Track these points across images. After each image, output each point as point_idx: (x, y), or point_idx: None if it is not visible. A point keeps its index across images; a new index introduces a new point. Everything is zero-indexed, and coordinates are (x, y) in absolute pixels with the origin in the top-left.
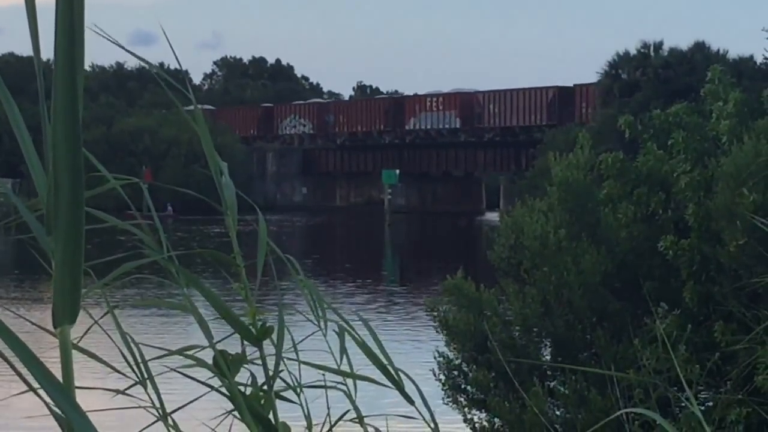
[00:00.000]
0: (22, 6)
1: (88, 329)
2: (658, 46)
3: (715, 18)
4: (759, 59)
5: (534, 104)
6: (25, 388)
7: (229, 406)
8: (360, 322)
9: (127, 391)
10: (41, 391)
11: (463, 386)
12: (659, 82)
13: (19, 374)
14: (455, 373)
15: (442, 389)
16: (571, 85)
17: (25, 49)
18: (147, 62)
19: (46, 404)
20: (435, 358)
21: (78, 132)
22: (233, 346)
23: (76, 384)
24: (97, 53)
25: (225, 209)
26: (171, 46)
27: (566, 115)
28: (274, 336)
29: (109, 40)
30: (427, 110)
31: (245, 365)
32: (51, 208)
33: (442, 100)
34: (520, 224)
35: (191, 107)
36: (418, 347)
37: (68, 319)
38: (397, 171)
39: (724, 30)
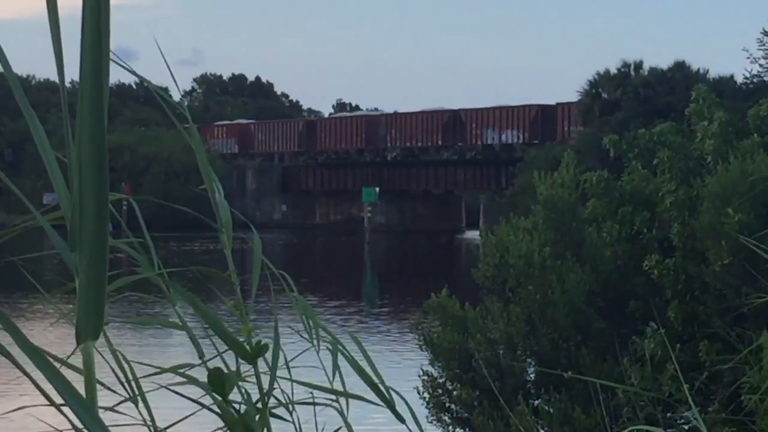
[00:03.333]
0: (10, 23)
1: (76, 349)
2: (639, 65)
3: (695, 38)
4: (740, 79)
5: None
6: (45, 402)
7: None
8: (350, 340)
9: (117, 408)
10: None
11: (447, 404)
12: (639, 101)
13: (42, 391)
14: (439, 391)
15: (426, 407)
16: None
17: (15, 67)
18: (149, 81)
19: (69, 420)
20: (419, 376)
21: (103, 151)
22: (217, 364)
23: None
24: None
25: (220, 227)
26: (168, 65)
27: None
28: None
29: (119, 64)
30: (216, 138)
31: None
32: (75, 225)
33: (226, 130)
34: (505, 243)
35: (168, 125)
36: (400, 365)
37: (92, 334)
38: (377, 189)
39: (704, 49)
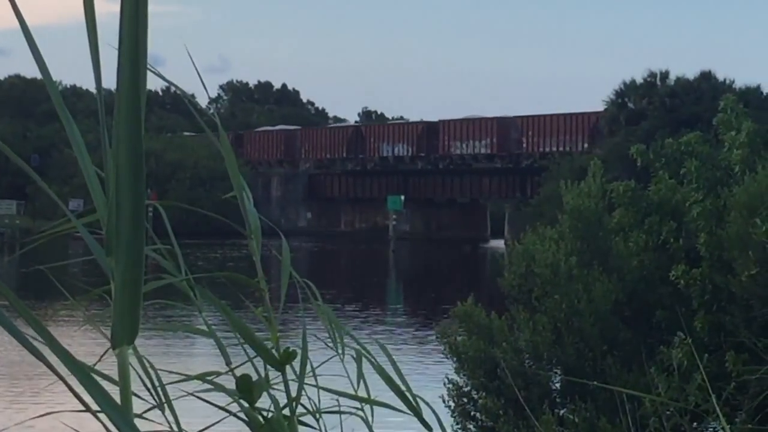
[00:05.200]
0: (36, 29)
1: (105, 352)
2: (665, 75)
3: (721, 48)
4: (766, 89)
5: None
6: (80, 406)
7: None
8: (376, 347)
9: (144, 416)
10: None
11: (472, 413)
12: (666, 111)
13: (78, 396)
14: (465, 400)
15: (452, 416)
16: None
17: (31, 71)
18: (181, 90)
19: (105, 426)
20: (444, 384)
21: (140, 156)
22: (243, 371)
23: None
24: (103, 75)
25: (249, 234)
26: (199, 73)
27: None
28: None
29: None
30: None
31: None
32: (112, 230)
33: None
34: (532, 252)
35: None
36: (425, 373)
37: (127, 339)
38: (402, 197)
39: (730, 60)
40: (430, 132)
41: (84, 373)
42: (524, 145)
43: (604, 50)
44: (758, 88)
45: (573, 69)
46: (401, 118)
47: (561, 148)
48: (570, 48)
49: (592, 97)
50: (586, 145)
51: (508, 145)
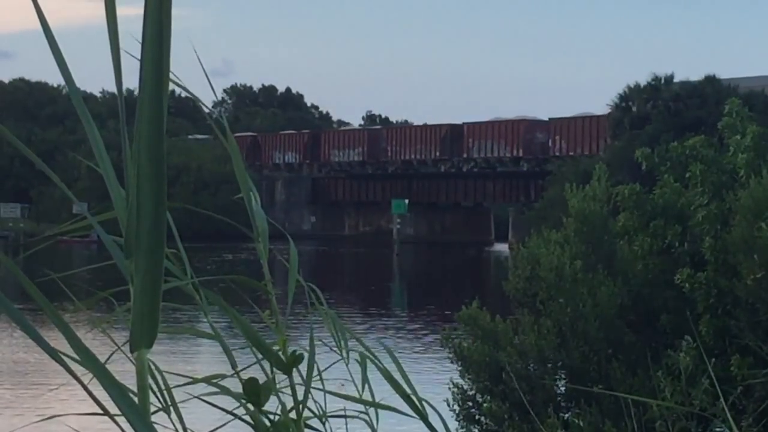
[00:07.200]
0: (34, 31)
1: (111, 354)
2: (669, 78)
3: (725, 51)
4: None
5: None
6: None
7: None
8: (382, 351)
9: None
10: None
11: (477, 417)
12: (670, 114)
13: (96, 400)
14: (469, 403)
15: (456, 420)
16: None
17: (35, 74)
18: (193, 94)
19: (121, 428)
20: (449, 388)
21: (162, 159)
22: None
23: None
24: (107, 79)
25: (256, 236)
26: (208, 77)
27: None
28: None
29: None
30: None
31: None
32: (132, 232)
33: None
34: (536, 255)
35: (198, 136)
36: (429, 376)
37: (146, 343)
38: (407, 201)
39: (734, 63)
40: (314, 141)
41: (109, 377)
42: (389, 153)
43: (609, 53)
44: (762, 91)
45: (578, 72)
46: (405, 121)
47: (418, 156)
48: (575, 51)
49: (592, 99)
50: (438, 153)
51: (377, 153)
